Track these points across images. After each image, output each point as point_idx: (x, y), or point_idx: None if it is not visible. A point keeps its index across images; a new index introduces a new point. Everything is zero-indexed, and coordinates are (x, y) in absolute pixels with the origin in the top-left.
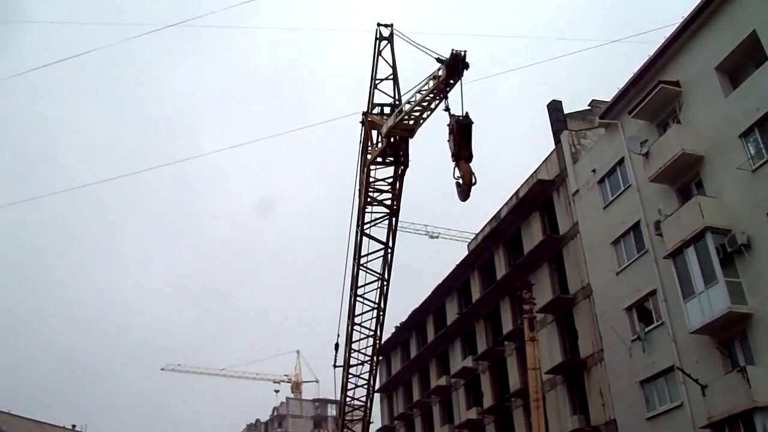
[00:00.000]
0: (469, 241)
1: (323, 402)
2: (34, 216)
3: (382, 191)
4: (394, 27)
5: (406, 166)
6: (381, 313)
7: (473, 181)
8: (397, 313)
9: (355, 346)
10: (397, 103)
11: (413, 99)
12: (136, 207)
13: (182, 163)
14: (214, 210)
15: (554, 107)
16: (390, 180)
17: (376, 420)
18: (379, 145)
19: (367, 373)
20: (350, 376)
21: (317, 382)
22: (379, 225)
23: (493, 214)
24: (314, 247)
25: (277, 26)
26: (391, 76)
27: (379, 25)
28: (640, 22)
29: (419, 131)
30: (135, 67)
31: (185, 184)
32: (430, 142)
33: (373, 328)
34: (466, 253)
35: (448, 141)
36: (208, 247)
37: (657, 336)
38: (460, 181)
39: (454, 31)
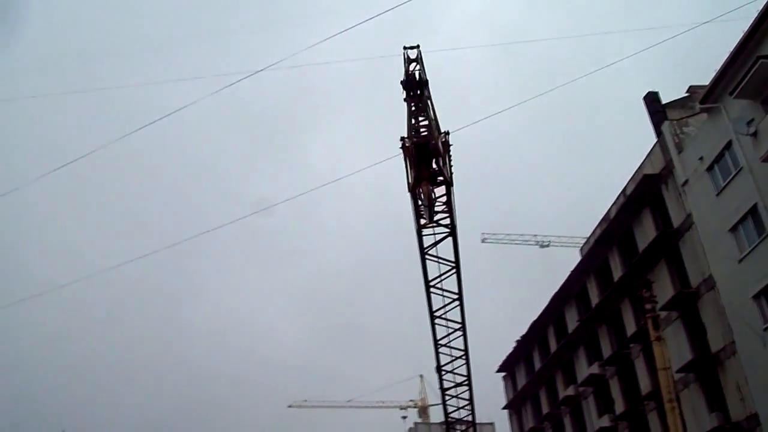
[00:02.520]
0: (581, 245)
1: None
2: (151, 262)
3: (437, 212)
4: (420, 48)
5: (449, 183)
6: (464, 331)
7: (434, 201)
8: (516, 328)
9: (449, 367)
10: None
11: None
12: (254, 241)
13: (293, 181)
14: (331, 227)
15: (651, 98)
16: (444, 199)
17: None
18: None
19: (467, 392)
20: (449, 397)
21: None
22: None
23: (602, 216)
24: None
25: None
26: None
27: (405, 48)
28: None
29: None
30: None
31: (301, 209)
32: (533, 157)
33: (462, 347)
34: (580, 258)
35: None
36: (327, 273)
37: None
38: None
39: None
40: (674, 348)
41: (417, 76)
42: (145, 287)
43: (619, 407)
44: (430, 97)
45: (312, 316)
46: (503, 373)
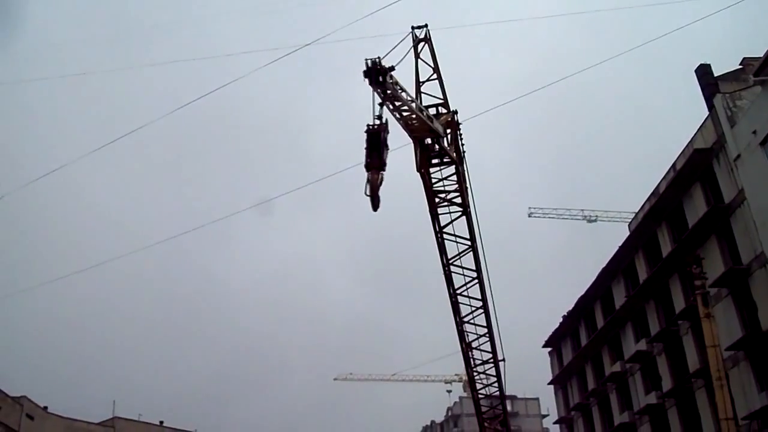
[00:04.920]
0: (630, 220)
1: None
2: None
3: (449, 191)
4: (428, 27)
5: (456, 162)
6: (486, 308)
7: (378, 189)
8: (563, 303)
9: (476, 344)
10: (443, 102)
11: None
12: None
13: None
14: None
15: (703, 71)
16: (453, 178)
17: (552, 412)
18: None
19: (493, 368)
20: (476, 374)
21: None
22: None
23: (651, 190)
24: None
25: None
26: (434, 77)
27: (413, 28)
28: None
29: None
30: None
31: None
32: (575, 131)
33: (485, 323)
34: (628, 233)
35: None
36: (384, 227)
37: None
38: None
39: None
40: (724, 325)
41: (378, 63)
42: (192, 255)
43: (667, 384)
44: (397, 83)
45: (365, 271)
46: (549, 349)
